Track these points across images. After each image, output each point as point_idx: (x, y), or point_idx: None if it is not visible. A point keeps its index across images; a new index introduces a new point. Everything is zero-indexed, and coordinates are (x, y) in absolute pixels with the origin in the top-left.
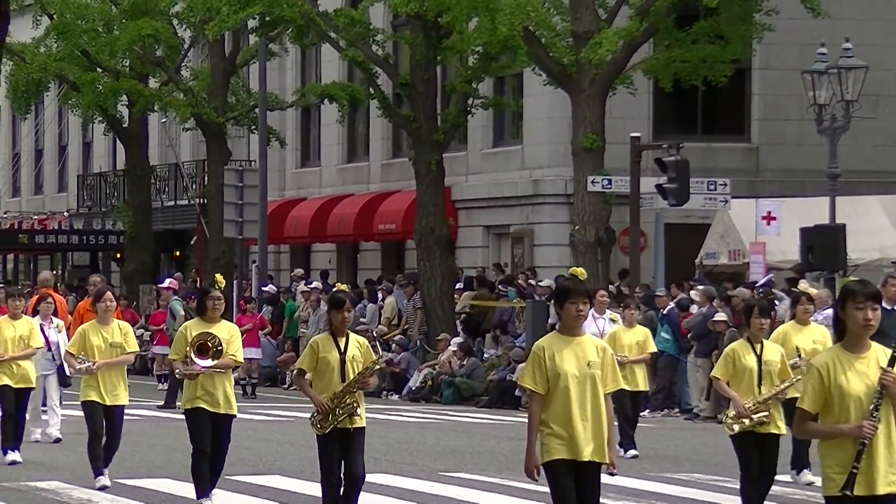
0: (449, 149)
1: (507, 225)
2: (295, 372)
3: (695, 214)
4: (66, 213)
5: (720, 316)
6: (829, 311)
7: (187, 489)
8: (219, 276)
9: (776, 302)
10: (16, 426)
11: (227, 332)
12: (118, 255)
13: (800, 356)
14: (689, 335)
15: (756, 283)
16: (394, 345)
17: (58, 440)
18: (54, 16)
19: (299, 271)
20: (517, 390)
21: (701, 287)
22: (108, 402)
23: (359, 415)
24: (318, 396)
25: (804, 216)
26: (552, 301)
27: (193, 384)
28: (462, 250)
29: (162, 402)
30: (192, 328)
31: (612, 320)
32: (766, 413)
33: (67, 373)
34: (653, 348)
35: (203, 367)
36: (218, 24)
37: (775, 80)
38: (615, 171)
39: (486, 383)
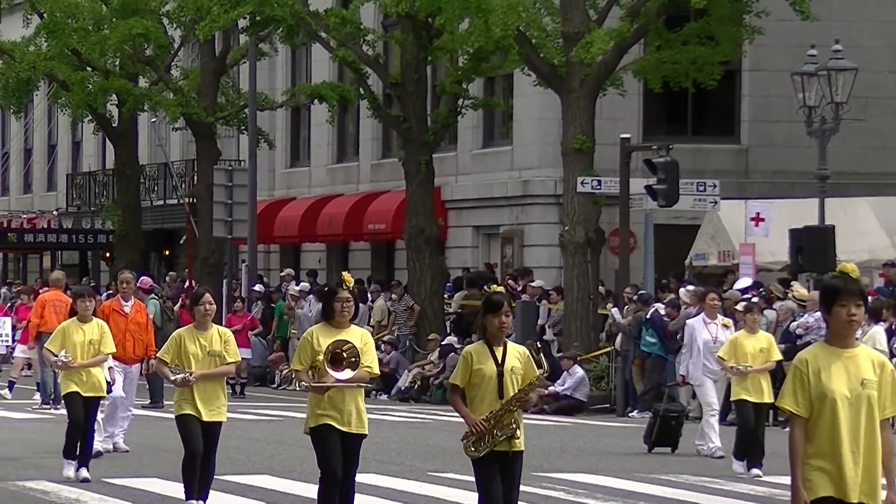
0: (439, 149)
1: (496, 225)
2: (448, 388)
3: (684, 215)
4: (55, 212)
5: None
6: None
7: (176, 489)
8: (346, 275)
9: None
10: (84, 437)
11: (361, 340)
12: (107, 255)
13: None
14: (677, 335)
15: (746, 289)
16: (383, 345)
17: (98, 454)
18: (44, 14)
19: (290, 271)
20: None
21: (691, 287)
22: (204, 418)
23: (518, 437)
24: (473, 415)
25: (793, 217)
26: (821, 304)
27: (320, 399)
28: (452, 250)
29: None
30: (320, 334)
31: (725, 326)
32: None
33: (109, 379)
34: (778, 356)
35: (340, 381)
36: (208, 24)
37: (765, 82)
38: (605, 171)
39: None
